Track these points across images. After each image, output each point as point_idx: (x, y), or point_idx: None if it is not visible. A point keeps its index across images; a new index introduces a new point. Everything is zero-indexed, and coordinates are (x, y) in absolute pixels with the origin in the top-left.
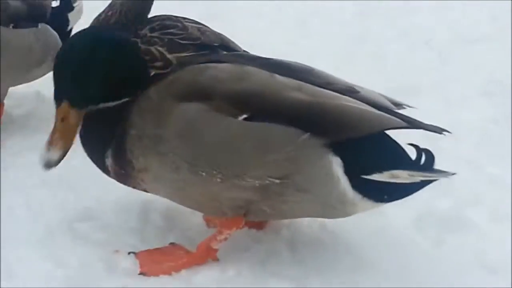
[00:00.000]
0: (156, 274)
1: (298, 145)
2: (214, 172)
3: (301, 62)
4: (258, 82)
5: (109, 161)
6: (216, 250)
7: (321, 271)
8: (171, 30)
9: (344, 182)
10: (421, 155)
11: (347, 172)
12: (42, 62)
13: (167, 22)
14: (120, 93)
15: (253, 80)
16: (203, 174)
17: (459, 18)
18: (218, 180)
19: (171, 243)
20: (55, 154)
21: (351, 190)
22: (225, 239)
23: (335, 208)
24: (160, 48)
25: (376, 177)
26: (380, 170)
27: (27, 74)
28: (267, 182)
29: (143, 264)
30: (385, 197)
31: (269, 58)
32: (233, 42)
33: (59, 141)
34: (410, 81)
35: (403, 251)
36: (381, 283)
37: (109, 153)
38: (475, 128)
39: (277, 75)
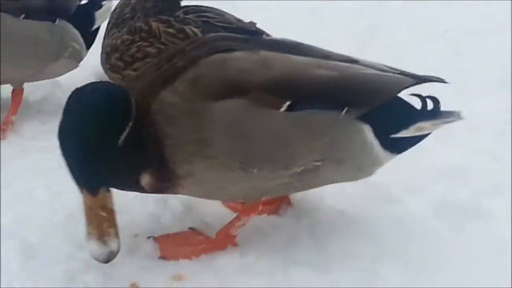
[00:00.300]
0: (176, 258)
1: (340, 124)
2: (266, 166)
3: None
4: (284, 66)
5: (145, 181)
6: (235, 236)
7: (341, 258)
8: (206, 14)
9: (376, 145)
10: (426, 103)
11: (377, 135)
12: (57, 57)
13: (203, 8)
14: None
15: (278, 66)
16: (255, 170)
17: (475, 9)
18: (267, 173)
19: (190, 228)
20: (113, 245)
21: (382, 150)
22: (243, 225)
23: (365, 171)
24: (194, 29)
25: (403, 133)
26: (406, 126)
27: (41, 67)
28: (310, 166)
29: (163, 248)
30: (403, 147)
31: (262, 39)
32: (266, 33)
33: (110, 230)
34: (426, 72)
35: (423, 239)
36: (401, 269)
37: (144, 175)
38: (493, 119)
39: (291, 56)
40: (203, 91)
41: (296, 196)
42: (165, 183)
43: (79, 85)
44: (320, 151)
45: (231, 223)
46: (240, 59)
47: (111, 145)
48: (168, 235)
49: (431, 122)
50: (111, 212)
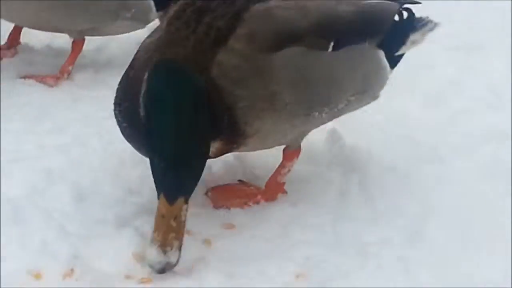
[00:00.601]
0: (227, 208)
1: (369, 55)
2: (325, 108)
3: None
4: (318, 9)
5: (214, 148)
6: (283, 184)
7: (389, 214)
8: None
9: (388, 68)
10: (403, 15)
11: (387, 58)
12: (116, 17)
13: None
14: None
15: (313, 9)
16: (316, 113)
17: None
18: (324, 114)
19: (239, 180)
20: (174, 257)
21: (390, 71)
22: (289, 171)
23: (376, 96)
24: None
25: (403, 50)
26: (404, 43)
27: (96, 24)
28: (348, 100)
29: (215, 199)
30: (396, 62)
31: None
32: None
33: (175, 242)
34: (475, 40)
35: (469, 201)
36: (447, 230)
37: (215, 143)
38: None
39: None
40: (261, 45)
41: (344, 152)
42: (233, 145)
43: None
44: (356, 85)
45: (277, 172)
46: (280, 7)
47: (202, 146)
48: (219, 186)
49: (420, 33)
50: (181, 224)
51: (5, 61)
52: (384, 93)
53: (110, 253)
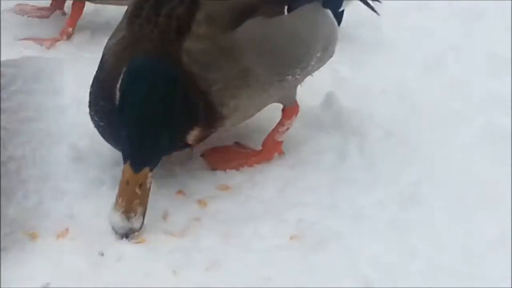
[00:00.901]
0: (223, 169)
1: (321, 13)
2: (297, 70)
3: None
4: None
5: (193, 136)
6: (281, 143)
7: (387, 178)
8: None
9: (336, 25)
10: None
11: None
12: None
13: None
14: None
15: None
16: (289, 77)
17: None
18: (297, 76)
19: (236, 143)
20: (137, 223)
21: (338, 28)
22: (287, 129)
23: (332, 53)
24: None
25: (344, 5)
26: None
27: None
28: (317, 57)
29: (213, 161)
30: (341, 18)
31: None
32: None
33: (139, 208)
34: (475, 6)
35: (467, 165)
36: (443, 194)
37: (192, 132)
38: None
39: None
40: (221, 25)
41: (342, 116)
42: (210, 129)
43: None
44: (318, 42)
45: (275, 130)
46: None
47: (170, 120)
48: (215, 148)
49: None
50: (146, 192)
51: (4, 24)
52: (383, 59)
53: (105, 213)
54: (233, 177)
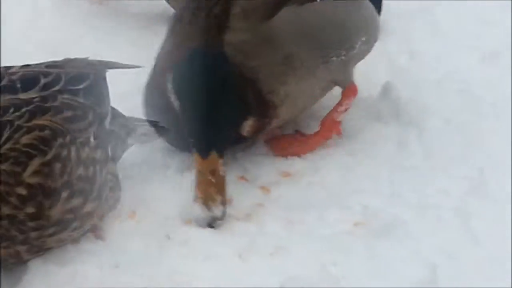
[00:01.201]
0: (286, 155)
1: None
2: (340, 51)
3: None
4: None
5: (248, 127)
6: (339, 123)
7: (448, 165)
8: None
9: (374, 9)
10: None
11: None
12: None
13: None
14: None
15: None
16: (334, 58)
17: None
18: (343, 57)
19: (296, 131)
20: (218, 211)
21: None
22: (346, 110)
23: (375, 41)
24: None
25: None
26: None
27: None
28: (361, 42)
29: (274, 147)
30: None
31: None
32: None
33: (217, 196)
34: None
35: None
36: (507, 183)
37: (247, 122)
38: None
39: None
40: (257, 17)
41: (400, 106)
42: (265, 119)
43: None
44: (360, 25)
45: (334, 110)
46: None
47: (225, 106)
48: (277, 137)
49: None
50: (221, 180)
51: None
52: (441, 48)
53: (172, 197)
54: (294, 164)
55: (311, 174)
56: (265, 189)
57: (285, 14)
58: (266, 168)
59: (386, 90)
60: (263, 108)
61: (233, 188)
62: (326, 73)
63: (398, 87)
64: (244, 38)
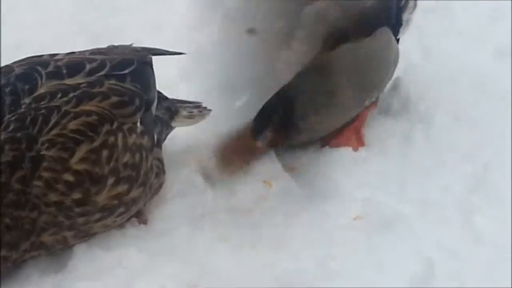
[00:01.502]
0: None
1: (390, 35)
2: (374, 94)
3: None
4: (356, 5)
5: (264, 135)
6: (362, 135)
7: (454, 162)
8: None
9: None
10: None
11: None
12: None
13: None
14: None
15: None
16: (366, 102)
17: None
18: (373, 99)
19: None
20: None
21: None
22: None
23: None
24: None
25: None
26: (401, 24)
27: None
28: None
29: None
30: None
31: None
32: None
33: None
34: None
35: None
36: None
37: (267, 133)
38: None
39: None
40: (317, 45)
41: (410, 101)
42: (281, 137)
43: None
44: (393, 64)
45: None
46: (327, 8)
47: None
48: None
49: (407, 12)
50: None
51: None
52: (454, 45)
53: None
54: (299, 158)
55: (315, 168)
56: (267, 183)
57: (343, 51)
58: (271, 163)
59: (396, 86)
60: (286, 128)
61: (236, 181)
62: (353, 114)
63: (410, 83)
64: (300, 59)
